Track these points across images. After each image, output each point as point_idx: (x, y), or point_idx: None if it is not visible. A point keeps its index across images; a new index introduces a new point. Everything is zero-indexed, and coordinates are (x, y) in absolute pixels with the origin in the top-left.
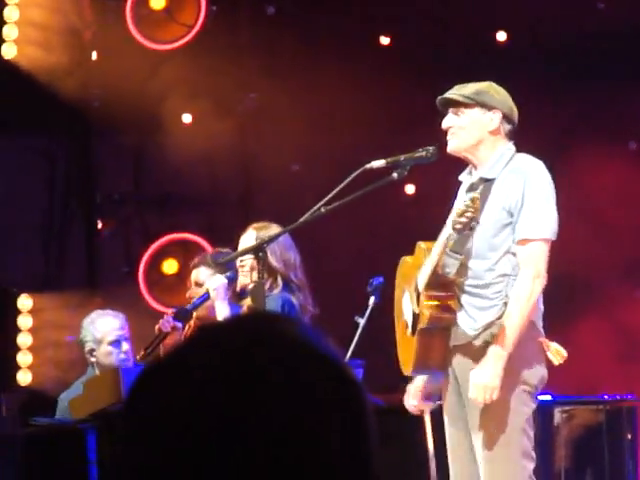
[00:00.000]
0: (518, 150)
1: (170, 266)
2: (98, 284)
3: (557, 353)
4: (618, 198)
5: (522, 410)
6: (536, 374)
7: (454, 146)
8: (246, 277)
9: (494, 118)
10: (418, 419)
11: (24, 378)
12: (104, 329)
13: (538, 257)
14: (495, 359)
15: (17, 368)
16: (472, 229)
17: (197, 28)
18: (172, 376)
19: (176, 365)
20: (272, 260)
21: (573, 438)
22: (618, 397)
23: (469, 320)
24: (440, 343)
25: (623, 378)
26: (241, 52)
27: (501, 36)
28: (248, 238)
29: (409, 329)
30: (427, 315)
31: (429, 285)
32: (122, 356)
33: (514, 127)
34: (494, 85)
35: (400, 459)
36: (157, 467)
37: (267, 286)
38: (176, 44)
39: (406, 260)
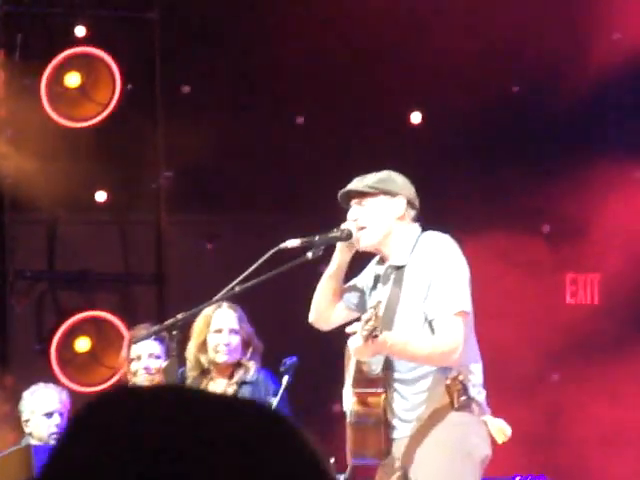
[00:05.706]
0: (425, 228)
1: (83, 344)
2: (9, 362)
3: (500, 431)
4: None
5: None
6: (480, 452)
7: (367, 242)
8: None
9: (399, 204)
10: None
11: None
12: (40, 400)
13: (456, 330)
14: (380, 344)
15: None
16: (375, 337)
17: (112, 106)
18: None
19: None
20: (244, 333)
21: None
22: (530, 478)
23: (407, 412)
24: (375, 436)
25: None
26: (156, 130)
27: (416, 117)
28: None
29: (347, 419)
30: (354, 411)
31: (356, 382)
32: (53, 429)
33: (417, 212)
34: (393, 172)
35: None
36: None
37: (247, 357)
38: (91, 122)
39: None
